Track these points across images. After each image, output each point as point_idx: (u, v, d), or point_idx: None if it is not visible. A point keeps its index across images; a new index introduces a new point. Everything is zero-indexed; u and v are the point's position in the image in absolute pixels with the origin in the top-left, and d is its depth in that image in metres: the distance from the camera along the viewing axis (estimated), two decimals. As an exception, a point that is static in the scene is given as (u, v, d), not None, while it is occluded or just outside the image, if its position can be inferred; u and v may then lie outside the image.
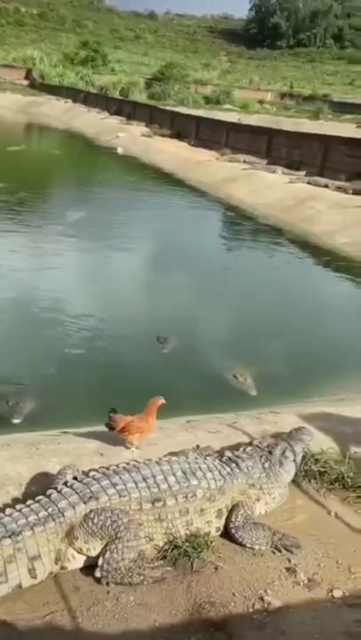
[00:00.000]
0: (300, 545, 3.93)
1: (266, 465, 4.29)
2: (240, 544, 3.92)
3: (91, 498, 3.62)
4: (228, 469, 4.12)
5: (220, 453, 4.37)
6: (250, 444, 4.51)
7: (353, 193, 18.93)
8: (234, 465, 4.17)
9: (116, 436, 4.75)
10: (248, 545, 3.91)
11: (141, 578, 3.49)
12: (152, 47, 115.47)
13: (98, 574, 3.49)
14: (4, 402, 6.47)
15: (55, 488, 3.72)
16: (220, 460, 4.23)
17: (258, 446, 4.45)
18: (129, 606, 3.38)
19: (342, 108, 59.11)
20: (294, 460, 4.46)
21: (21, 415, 6.28)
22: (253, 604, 3.45)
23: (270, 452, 4.39)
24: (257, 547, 3.91)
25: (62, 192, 21.20)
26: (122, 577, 3.46)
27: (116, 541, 3.50)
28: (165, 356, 8.25)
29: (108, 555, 3.50)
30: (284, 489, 4.34)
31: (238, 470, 4.14)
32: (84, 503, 3.60)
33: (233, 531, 3.95)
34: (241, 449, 4.41)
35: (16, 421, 6.18)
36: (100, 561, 3.51)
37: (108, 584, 3.48)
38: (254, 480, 4.17)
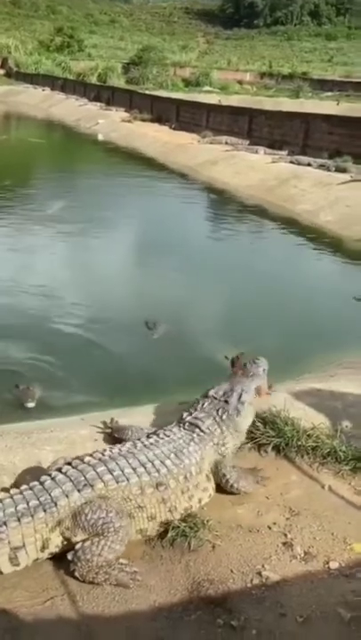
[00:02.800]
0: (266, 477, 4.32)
1: (224, 417, 4.30)
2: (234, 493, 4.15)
3: (85, 486, 3.59)
4: (197, 436, 4.15)
5: (180, 419, 4.34)
6: (206, 395, 4.48)
7: (335, 170, 18.90)
8: (197, 429, 4.20)
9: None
10: (243, 491, 4.16)
11: (106, 577, 3.41)
12: (128, 31, 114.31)
13: (69, 557, 3.44)
14: (13, 386, 6.46)
15: (49, 475, 3.67)
16: (183, 427, 4.24)
17: (214, 397, 4.43)
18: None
19: (322, 86, 58.85)
20: (252, 404, 4.48)
21: (34, 399, 6.26)
22: (251, 580, 3.49)
23: (227, 402, 4.38)
24: (250, 489, 4.18)
25: (43, 181, 21.02)
26: (88, 571, 3.39)
27: (101, 537, 3.45)
28: (155, 339, 8.26)
29: (87, 544, 3.44)
30: (242, 437, 4.44)
31: (203, 433, 4.18)
32: (79, 492, 3.56)
33: (229, 487, 4.14)
34: (199, 404, 4.39)
35: (30, 405, 6.16)
36: (78, 546, 3.45)
37: (73, 571, 3.42)
38: (218, 438, 4.22)
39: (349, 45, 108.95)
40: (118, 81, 51.66)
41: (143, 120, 33.73)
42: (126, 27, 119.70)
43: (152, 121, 33.63)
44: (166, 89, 45.44)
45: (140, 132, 30.22)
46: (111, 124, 33.02)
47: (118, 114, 35.61)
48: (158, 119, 33.62)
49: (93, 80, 52.34)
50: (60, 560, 3.52)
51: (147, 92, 40.26)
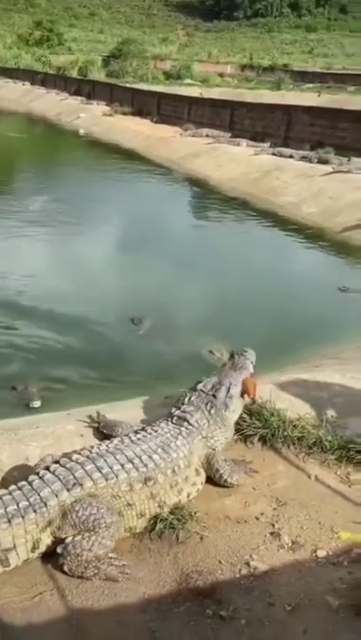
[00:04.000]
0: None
1: (212, 411, 4.32)
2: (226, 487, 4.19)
3: (75, 485, 3.57)
4: (185, 429, 4.15)
5: (169, 413, 4.35)
6: (194, 389, 4.49)
7: (318, 162, 18.94)
8: (186, 423, 4.20)
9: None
10: (236, 484, 4.20)
11: (95, 572, 3.41)
12: (107, 24, 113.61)
13: (59, 550, 3.43)
14: (11, 388, 6.43)
15: (37, 474, 3.65)
16: (171, 421, 4.24)
17: (202, 391, 4.44)
18: (118, 581, 3.41)
19: (303, 78, 58.88)
20: (241, 396, 4.50)
21: (39, 398, 6.24)
22: (240, 570, 3.51)
23: (215, 396, 4.39)
24: (242, 482, 4.23)
25: (25, 177, 20.86)
26: (77, 565, 3.39)
27: (92, 533, 3.45)
28: (141, 334, 8.27)
29: (78, 538, 3.43)
30: (231, 431, 4.45)
31: (192, 427, 4.18)
32: (68, 491, 3.54)
33: (223, 481, 4.18)
34: (187, 398, 4.40)
35: (37, 404, 6.12)
36: (68, 540, 3.44)
37: (62, 565, 3.42)
38: (207, 432, 4.23)
39: (329, 37, 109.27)
40: (99, 74, 51.26)
41: (124, 113, 33.57)
42: (106, 20, 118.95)
43: (133, 114, 33.47)
44: (147, 82, 45.19)
45: (122, 125, 30.08)
46: (92, 117, 32.82)
47: (99, 107, 35.40)
48: (139, 112, 33.47)
49: (74, 74, 51.87)
50: (49, 556, 3.51)
51: (127, 85, 40.02)
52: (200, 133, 25.15)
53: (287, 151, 20.55)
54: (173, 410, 4.35)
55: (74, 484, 3.57)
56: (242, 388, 4.50)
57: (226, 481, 4.18)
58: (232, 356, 4.85)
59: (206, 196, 18.56)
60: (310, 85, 52.05)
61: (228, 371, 4.62)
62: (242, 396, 4.51)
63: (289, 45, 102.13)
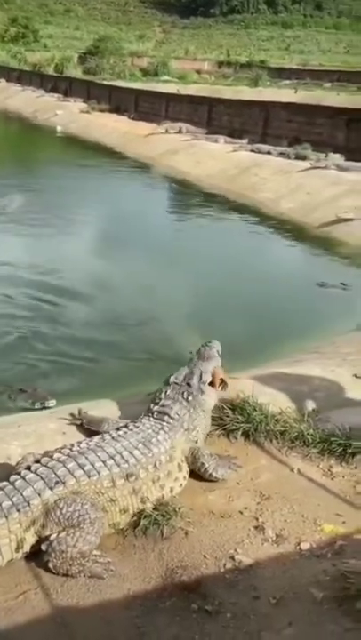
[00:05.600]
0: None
1: (190, 399, 4.34)
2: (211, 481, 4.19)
3: (57, 483, 3.54)
4: (166, 424, 4.15)
5: (148, 410, 4.34)
6: (167, 382, 4.50)
7: (295, 158, 19.04)
8: (167, 417, 4.20)
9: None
10: (221, 478, 4.20)
11: (80, 569, 3.39)
12: (84, 20, 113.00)
13: (43, 547, 3.41)
14: (18, 391, 6.39)
15: (19, 473, 3.61)
16: (152, 417, 4.24)
17: (175, 382, 4.45)
18: (102, 578, 3.40)
19: (280, 75, 59.16)
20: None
21: (51, 396, 6.22)
22: (225, 564, 3.52)
23: (189, 384, 4.41)
24: (227, 476, 4.23)
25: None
26: (62, 562, 3.37)
27: (77, 529, 3.42)
28: (120, 330, 8.27)
29: (62, 535, 3.41)
30: (208, 418, 4.46)
31: (172, 420, 4.19)
32: (51, 489, 3.51)
33: (208, 475, 4.18)
34: (162, 393, 4.41)
35: (52, 403, 6.10)
36: (52, 537, 3.42)
37: (46, 562, 3.40)
38: (188, 423, 4.25)
39: (306, 34, 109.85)
40: (75, 71, 50.93)
41: (102, 110, 33.44)
42: (82, 16, 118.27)
43: (111, 111, 33.36)
44: (124, 79, 45.00)
45: (99, 122, 29.96)
46: (70, 115, 32.64)
47: (76, 105, 35.21)
48: (117, 109, 33.37)
49: (50, 71, 51.52)
50: (33, 554, 3.49)
51: (104, 82, 39.88)
52: (174, 128, 25.08)
53: (265, 147, 20.64)
54: (152, 405, 4.35)
55: (56, 483, 3.54)
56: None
57: (211, 475, 4.19)
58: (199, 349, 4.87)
59: (185, 193, 18.57)
60: (287, 82, 52.30)
61: (196, 361, 4.64)
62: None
63: (266, 42, 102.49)
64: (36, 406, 6.09)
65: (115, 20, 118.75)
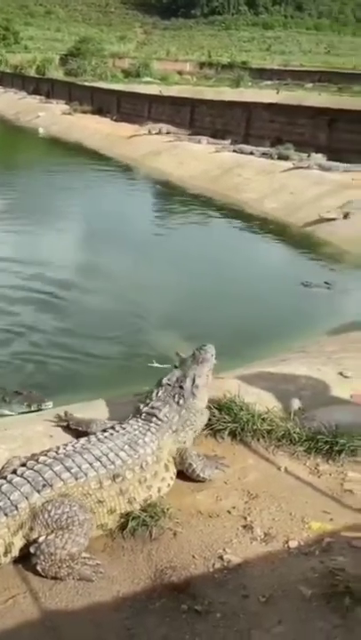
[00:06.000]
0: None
1: (181, 402, 4.34)
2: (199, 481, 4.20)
3: (45, 486, 3.53)
4: (154, 425, 4.15)
5: (136, 410, 4.34)
6: (159, 384, 4.49)
7: (278, 158, 19.12)
8: (155, 419, 4.20)
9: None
10: (209, 479, 4.20)
11: (69, 572, 3.37)
12: (64, 22, 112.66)
13: (32, 550, 3.40)
14: (13, 393, 6.36)
15: (5, 477, 3.60)
16: (140, 418, 4.23)
17: (168, 384, 4.45)
18: (91, 581, 3.39)
19: (261, 75, 59.31)
20: (206, 386, 4.51)
21: (47, 398, 6.19)
22: (213, 564, 3.52)
23: (181, 387, 4.41)
24: (214, 476, 4.23)
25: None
26: (51, 565, 3.36)
27: (65, 531, 3.41)
28: (106, 332, 8.26)
29: (51, 537, 3.40)
30: (200, 421, 4.45)
31: (161, 422, 4.18)
32: (38, 493, 3.50)
33: (195, 476, 4.18)
34: (154, 393, 4.41)
35: (49, 405, 6.06)
36: (41, 539, 3.40)
37: (35, 565, 3.38)
38: (177, 425, 4.24)
39: (286, 34, 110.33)
40: (57, 73, 50.75)
41: (84, 112, 33.37)
42: (62, 18, 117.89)
43: (93, 113, 33.29)
44: (106, 80, 44.90)
45: (82, 124, 29.89)
46: (52, 116, 32.54)
47: (59, 106, 35.10)
48: (99, 111, 33.31)
49: (32, 73, 51.30)
50: (21, 558, 3.47)
51: (86, 83, 39.77)
52: (155, 128, 25.07)
53: (248, 148, 20.70)
54: (141, 406, 4.34)
55: (44, 486, 3.53)
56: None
57: (198, 475, 4.19)
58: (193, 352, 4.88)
59: (169, 194, 18.57)
60: (269, 83, 52.46)
61: (190, 364, 4.64)
62: None
63: (247, 43, 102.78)
64: (32, 408, 6.06)
65: (96, 22, 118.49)
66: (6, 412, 6.07)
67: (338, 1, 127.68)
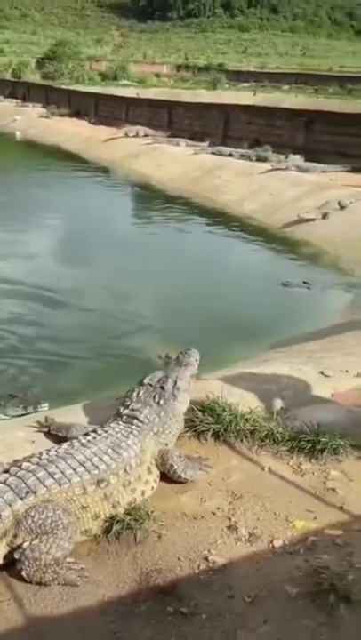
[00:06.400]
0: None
1: (161, 402, 4.33)
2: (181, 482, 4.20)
3: (28, 493, 3.50)
4: (135, 428, 4.14)
5: (117, 413, 4.33)
6: (141, 383, 4.49)
7: (256, 160, 19.22)
8: (136, 421, 4.19)
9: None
10: (190, 479, 4.20)
11: (54, 577, 3.35)
12: (40, 25, 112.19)
13: (16, 556, 3.37)
14: (7, 396, 6.32)
15: None
16: (121, 421, 4.22)
17: (149, 384, 4.45)
18: (76, 586, 3.37)
19: (238, 77, 59.46)
20: (187, 390, 4.51)
21: (44, 399, 6.13)
22: (199, 565, 3.52)
23: (162, 388, 4.41)
24: (196, 477, 4.23)
25: None
26: (36, 570, 3.33)
27: (50, 535, 3.39)
28: (85, 336, 8.24)
29: (35, 542, 3.37)
30: (181, 423, 4.46)
31: (142, 424, 4.18)
32: (21, 499, 3.47)
33: (177, 477, 4.17)
34: (134, 394, 4.40)
35: (45, 407, 6.00)
36: (25, 545, 3.37)
37: (20, 571, 3.35)
38: (158, 427, 4.24)
39: (262, 37, 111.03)
40: (34, 76, 50.48)
41: (61, 115, 33.26)
42: (38, 21, 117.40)
43: (70, 116, 33.19)
44: (83, 83, 44.75)
45: (59, 127, 29.78)
46: (29, 120, 32.37)
47: (35, 110, 34.96)
48: (77, 114, 33.22)
49: (8, 76, 50.96)
50: (5, 566, 3.44)
51: (63, 86, 39.64)
52: (132, 131, 25.06)
53: (226, 150, 20.78)
54: (122, 409, 4.32)
55: (27, 492, 3.50)
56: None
57: (180, 476, 4.19)
58: (177, 355, 4.88)
59: (149, 197, 18.57)
60: (245, 85, 52.66)
61: (173, 367, 4.64)
62: None
63: (223, 45, 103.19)
64: (28, 411, 6.00)
65: (72, 25, 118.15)
66: (1, 415, 6.01)
67: (312, 3, 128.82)
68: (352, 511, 4.00)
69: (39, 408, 6.03)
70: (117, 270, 11.24)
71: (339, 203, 13.82)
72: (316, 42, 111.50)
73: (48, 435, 4.59)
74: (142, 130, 25.12)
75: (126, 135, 24.85)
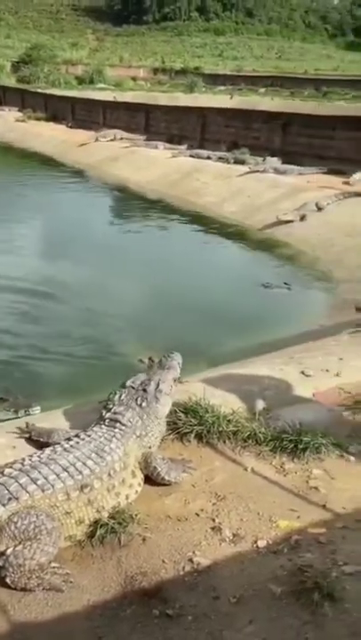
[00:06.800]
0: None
1: (143, 404, 4.32)
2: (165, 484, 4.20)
3: (10, 499, 3.47)
4: (118, 431, 4.12)
5: (100, 417, 4.31)
6: (123, 385, 4.49)
7: (234, 162, 19.31)
8: (119, 424, 4.17)
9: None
10: (174, 481, 4.20)
11: (38, 582, 3.32)
12: (15, 29, 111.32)
13: (0, 562, 3.34)
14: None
15: None
16: (103, 424, 4.21)
17: (132, 387, 4.44)
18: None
19: (215, 81, 59.76)
20: (169, 393, 4.50)
21: (35, 403, 6.06)
22: (183, 567, 3.52)
23: (145, 390, 4.40)
24: (180, 479, 4.24)
25: None
26: (20, 576, 3.30)
27: (34, 541, 3.36)
28: (66, 339, 8.20)
29: (19, 548, 3.34)
30: (163, 426, 4.45)
31: (125, 427, 4.16)
32: (4, 506, 3.43)
33: (160, 479, 4.17)
34: (117, 396, 4.39)
35: (37, 410, 5.94)
36: (9, 551, 3.35)
37: (4, 578, 3.33)
38: (140, 430, 4.23)
39: (238, 40, 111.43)
40: (9, 80, 50.18)
41: (38, 119, 33.15)
42: (13, 25, 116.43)
43: (47, 120, 33.09)
44: (59, 87, 44.61)
45: (36, 131, 29.67)
46: (4, 124, 32.19)
47: (12, 114, 34.80)
48: (54, 118, 33.12)
49: (-18, 80, 50.61)
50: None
51: (39, 90, 39.49)
52: (109, 135, 25.02)
53: (204, 152, 20.86)
54: (104, 412, 4.31)
55: (9, 499, 3.47)
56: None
57: (163, 479, 4.18)
58: (160, 359, 4.88)
59: (128, 200, 18.56)
60: (222, 88, 52.93)
61: (156, 369, 4.64)
62: None
63: (199, 49, 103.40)
64: (19, 415, 5.93)
65: (47, 29, 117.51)
66: None
67: (287, 7, 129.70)
68: (335, 509, 4.04)
69: (31, 411, 5.98)
70: (97, 274, 11.20)
71: (316, 204, 13.94)
72: (292, 45, 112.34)
73: (29, 441, 4.56)
74: (118, 133, 25.12)
75: (97, 140, 24.80)
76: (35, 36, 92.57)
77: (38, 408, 6.00)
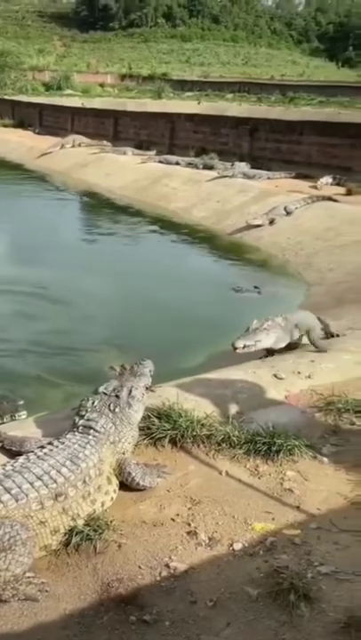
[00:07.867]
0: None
1: (117, 410, 4.32)
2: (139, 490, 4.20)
3: None
4: (92, 438, 4.10)
5: (73, 424, 4.29)
6: (95, 392, 4.48)
7: (203, 168, 19.40)
8: (92, 431, 4.16)
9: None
10: (149, 487, 4.20)
11: (13, 593, 3.29)
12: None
13: None
14: None
15: None
16: (77, 431, 4.18)
17: (104, 393, 4.44)
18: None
19: (182, 86, 59.96)
20: (141, 400, 4.50)
21: (22, 408, 5.91)
22: (160, 573, 3.52)
23: (117, 397, 4.40)
24: (155, 484, 4.23)
25: None
26: None
27: (8, 552, 3.31)
28: (35, 348, 8.14)
29: None
30: (136, 431, 4.45)
31: (99, 433, 4.15)
32: None
33: (135, 484, 4.17)
34: (89, 403, 4.36)
35: (23, 415, 5.77)
36: None
37: None
38: (114, 436, 4.22)
39: (204, 46, 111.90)
40: (-25, 87, 49.69)
41: (5, 126, 32.93)
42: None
43: (14, 126, 32.89)
44: (26, 93, 44.32)
45: (3, 137, 29.43)
46: (-29, 131, 31.84)
47: (-22, 121, 34.43)
48: (21, 124, 32.94)
49: None
50: None
51: (6, 97, 39.22)
52: (69, 141, 24.95)
53: (173, 158, 20.91)
54: (77, 419, 4.28)
55: None
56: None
57: (138, 484, 4.17)
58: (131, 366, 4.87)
59: (97, 206, 18.51)
60: (190, 94, 53.10)
61: (127, 376, 4.64)
62: None
63: (166, 55, 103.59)
64: (5, 420, 5.83)
65: (13, 35, 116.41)
66: None
67: (252, 14, 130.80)
68: (309, 510, 4.07)
69: (16, 416, 5.89)
70: (66, 280, 11.13)
71: (285, 208, 14.08)
72: (258, 51, 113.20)
73: (1, 450, 4.50)
74: (78, 139, 25.08)
75: (63, 147, 24.70)
76: (0, 43, 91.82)
77: (25, 413, 5.90)
